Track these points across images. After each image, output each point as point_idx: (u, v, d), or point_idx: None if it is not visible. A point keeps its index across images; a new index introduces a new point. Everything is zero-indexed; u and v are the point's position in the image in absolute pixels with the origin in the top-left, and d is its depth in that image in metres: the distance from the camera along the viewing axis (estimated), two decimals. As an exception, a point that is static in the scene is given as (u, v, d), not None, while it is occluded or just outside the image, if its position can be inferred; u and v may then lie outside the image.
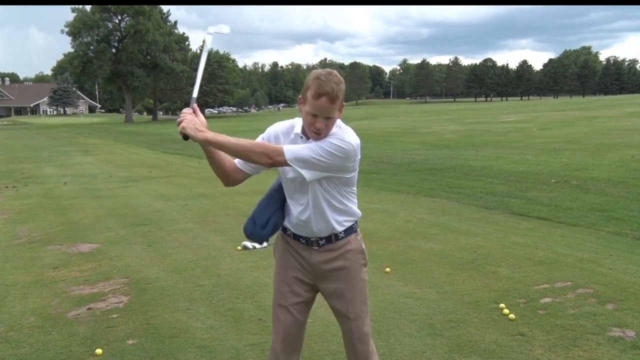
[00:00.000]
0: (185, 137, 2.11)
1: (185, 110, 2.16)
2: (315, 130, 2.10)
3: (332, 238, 2.26)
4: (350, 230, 2.29)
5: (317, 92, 2.03)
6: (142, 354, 3.27)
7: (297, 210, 2.25)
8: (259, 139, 2.28)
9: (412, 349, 3.20)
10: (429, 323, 3.56)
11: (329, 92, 2.03)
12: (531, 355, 3.07)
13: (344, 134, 2.14)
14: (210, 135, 2.09)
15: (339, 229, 2.26)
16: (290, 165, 2.10)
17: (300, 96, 2.16)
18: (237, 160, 2.26)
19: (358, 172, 2.29)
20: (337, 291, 2.31)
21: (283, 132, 2.24)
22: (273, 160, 2.10)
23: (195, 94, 2.25)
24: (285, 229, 2.37)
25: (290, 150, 2.10)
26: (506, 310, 3.65)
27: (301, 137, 2.19)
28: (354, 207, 2.30)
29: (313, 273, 2.32)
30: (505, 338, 3.30)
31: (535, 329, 3.41)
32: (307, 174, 2.11)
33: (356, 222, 2.33)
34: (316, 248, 2.28)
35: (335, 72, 2.11)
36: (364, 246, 2.36)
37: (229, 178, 2.31)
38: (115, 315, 3.87)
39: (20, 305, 4.14)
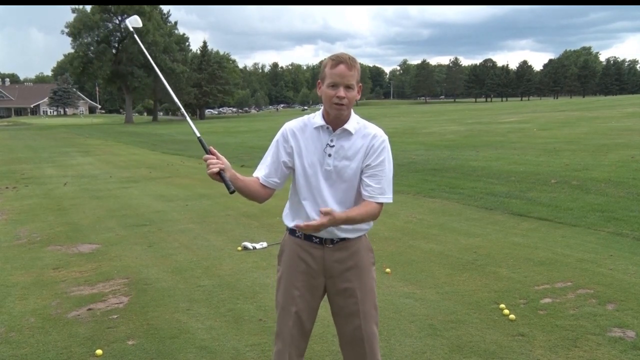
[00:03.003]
0: (230, 189, 2.15)
1: (206, 156, 2.14)
2: (337, 102, 2.10)
3: (347, 237, 2.27)
4: None
5: (335, 61, 2.10)
6: (142, 354, 3.27)
7: (331, 207, 2.20)
8: (274, 142, 2.28)
9: (412, 349, 3.20)
10: (429, 323, 3.56)
11: (345, 59, 2.09)
12: (531, 356, 3.07)
13: (376, 129, 2.22)
14: (341, 219, 2.12)
15: (357, 233, 2.28)
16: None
17: (318, 81, 2.19)
18: (261, 178, 2.28)
19: None
20: (349, 290, 2.29)
21: (298, 129, 2.24)
22: (377, 213, 2.20)
23: (197, 132, 2.24)
24: (293, 232, 2.32)
25: (384, 194, 2.18)
26: (506, 311, 3.65)
27: (327, 128, 2.19)
28: None
29: (324, 272, 2.28)
30: (506, 338, 3.30)
31: (536, 329, 3.41)
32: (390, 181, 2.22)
33: None
34: (330, 246, 2.26)
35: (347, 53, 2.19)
36: (371, 244, 2.39)
37: (261, 196, 2.32)
38: (116, 316, 3.87)
39: (21, 305, 4.14)
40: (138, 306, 4.06)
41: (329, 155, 2.18)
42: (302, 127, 2.23)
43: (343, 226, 2.19)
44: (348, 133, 2.17)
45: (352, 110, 2.19)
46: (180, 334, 3.53)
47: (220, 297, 4.19)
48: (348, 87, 2.09)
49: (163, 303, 4.11)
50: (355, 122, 2.19)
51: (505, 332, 3.38)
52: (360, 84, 2.18)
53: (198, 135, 2.22)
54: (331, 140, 2.18)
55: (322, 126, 2.18)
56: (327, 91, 2.10)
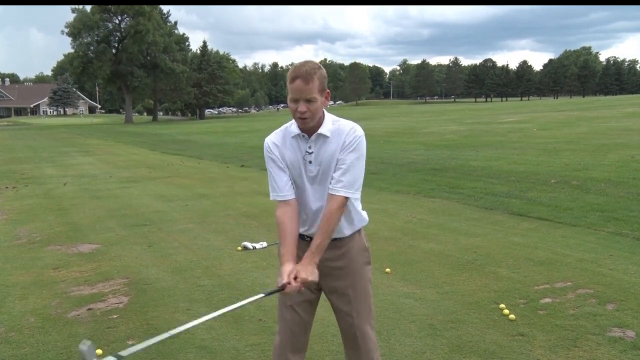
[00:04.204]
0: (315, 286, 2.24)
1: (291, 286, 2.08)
2: (299, 116, 2.11)
3: (338, 237, 2.27)
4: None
5: (291, 76, 2.08)
6: (142, 354, 3.27)
7: (316, 206, 2.24)
8: (267, 161, 2.26)
9: (412, 349, 3.20)
10: (429, 323, 3.56)
11: (300, 74, 2.06)
12: (531, 356, 3.07)
13: (350, 125, 2.21)
14: (315, 258, 2.14)
15: (347, 233, 2.29)
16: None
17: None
18: (289, 197, 2.23)
19: None
20: (340, 289, 2.30)
21: (278, 141, 2.25)
22: (345, 208, 2.20)
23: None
24: None
25: (346, 187, 2.16)
26: (506, 311, 3.65)
27: (303, 136, 2.20)
28: (363, 213, 2.38)
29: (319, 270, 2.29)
30: (506, 338, 3.30)
31: (536, 329, 3.41)
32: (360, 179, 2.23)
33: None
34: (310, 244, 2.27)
35: (313, 61, 2.15)
36: (367, 244, 2.38)
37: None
38: (115, 316, 3.87)
39: (21, 305, 4.14)
40: (138, 306, 4.06)
41: (310, 162, 2.20)
42: (281, 138, 2.25)
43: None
44: (324, 137, 2.18)
45: (324, 112, 2.19)
46: (180, 334, 3.52)
47: (220, 297, 4.19)
48: (308, 101, 2.09)
49: (163, 303, 4.11)
50: (329, 123, 2.19)
51: (505, 332, 3.38)
52: (328, 91, 2.16)
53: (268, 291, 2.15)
54: (309, 147, 2.19)
55: (298, 134, 2.20)
56: (290, 105, 2.13)
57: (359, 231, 2.34)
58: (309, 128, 2.16)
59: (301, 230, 2.28)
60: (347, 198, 2.17)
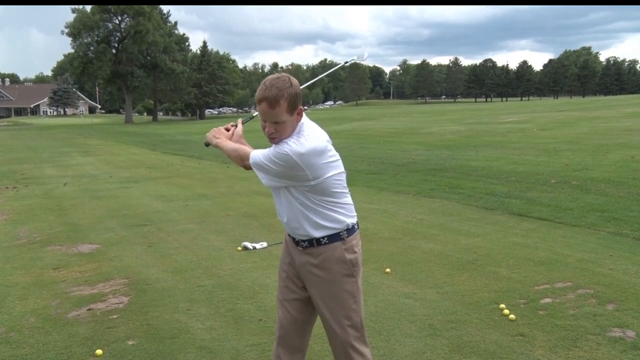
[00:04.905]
0: (207, 143, 2.51)
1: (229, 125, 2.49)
2: (268, 135, 2.16)
3: (314, 242, 2.23)
4: (335, 238, 2.22)
5: (258, 97, 2.10)
6: (142, 354, 3.27)
7: (279, 209, 2.32)
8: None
9: (412, 350, 3.20)
10: (429, 323, 3.56)
11: (267, 97, 2.05)
12: (531, 356, 3.07)
13: (292, 142, 2.10)
14: (219, 141, 2.41)
15: (316, 235, 2.21)
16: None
17: None
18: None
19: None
20: (317, 295, 2.27)
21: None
22: (244, 163, 2.28)
23: (254, 114, 2.46)
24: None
25: (253, 154, 2.22)
26: (506, 311, 3.65)
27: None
28: (337, 216, 2.22)
29: (299, 272, 2.33)
30: (506, 338, 3.30)
31: (536, 329, 3.41)
32: (263, 179, 2.22)
33: (345, 230, 2.23)
34: (300, 249, 2.29)
35: (285, 76, 2.10)
36: (350, 256, 2.25)
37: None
38: (116, 316, 3.87)
39: (21, 306, 4.14)
40: (138, 306, 4.06)
41: None
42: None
43: (293, 229, 2.29)
44: None
45: (299, 126, 2.17)
46: (180, 334, 3.53)
47: (220, 297, 4.19)
48: (276, 123, 2.10)
49: (163, 303, 4.11)
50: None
51: (505, 332, 3.38)
52: (300, 107, 2.14)
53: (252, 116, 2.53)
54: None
55: None
56: (260, 122, 2.17)
57: (341, 240, 2.22)
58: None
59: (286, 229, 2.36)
60: (247, 159, 2.26)
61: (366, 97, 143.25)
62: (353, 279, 2.26)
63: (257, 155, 2.20)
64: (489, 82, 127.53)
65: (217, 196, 9.01)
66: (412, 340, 3.33)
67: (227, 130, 2.46)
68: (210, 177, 11.89)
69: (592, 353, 3.06)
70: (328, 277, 2.24)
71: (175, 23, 69.92)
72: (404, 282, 4.40)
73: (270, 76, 2.11)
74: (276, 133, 2.11)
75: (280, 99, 2.04)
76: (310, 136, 2.13)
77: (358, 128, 27.30)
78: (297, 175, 2.12)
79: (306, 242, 2.25)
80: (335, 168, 2.19)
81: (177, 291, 4.38)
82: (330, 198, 2.19)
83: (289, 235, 2.36)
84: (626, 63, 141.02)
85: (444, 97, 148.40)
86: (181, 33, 71.02)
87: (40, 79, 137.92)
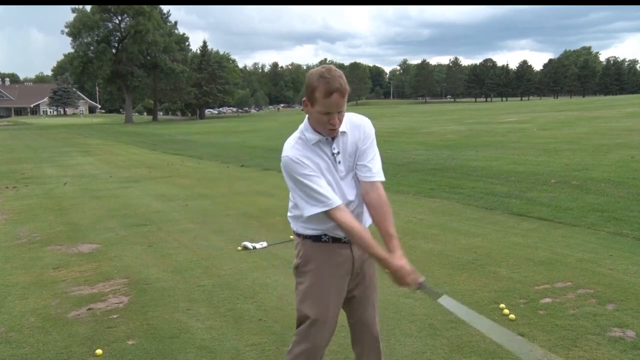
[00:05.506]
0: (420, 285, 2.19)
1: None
2: (331, 127, 2.12)
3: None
4: None
5: (328, 90, 2.04)
6: (142, 354, 3.27)
7: (351, 196, 2.26)
8: (307, 170, 2.15)
9: (412, 349, 3.20)
10: (429, 323, 3.56)
11: (339, 88, 2.05)
12: (531, 356, 3.07)
13: (355, 116, 2.30)
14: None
15: (368, 222, 2.34)
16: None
17: (304, 99, 2.14)
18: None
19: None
20: (368, 287, 2.41)
21: (301, 154, 2.16)
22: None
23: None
24: (317, 238, 2.27)
25: (379, 173, 2.24)
26: (506, 311, 3.65)
27: (327, 139, 2.19)
28: None
29: (352, 269, 2.32)
30: (506, 338, 3.30)
31: (536, 329, 3.41)
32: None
33: None
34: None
35: (333, 66, 2.12)
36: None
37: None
38: (116, 316, 3.87)
39: (21, 305, 4.14)
40: (138, 306, 4.06)
41: (339, 162, 2.21)
42: (301, 149, 2.18)
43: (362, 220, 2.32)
44: (343, 133, 2.21)
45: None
46: (180, 334, 3.53)
47: (220, 297, 4.19)
48: (340, 112, 2.11)
49: (163, 303, 4.11)
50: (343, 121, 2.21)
51: (505, 332, 3.38)
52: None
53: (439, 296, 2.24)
54: (334, 148, 2.20)
55: (319, 140, 2.18)
56: (320, 117, 2.10)
57: None
58: None
59: (340, 233, 2.24)
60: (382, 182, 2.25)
61: (366, 96, 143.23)
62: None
63: (380, 172, 2.26)
64: (489, 82, 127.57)
65: (217, 196, 9.01)
66: (412, 340, 3.33)
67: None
68: (210, 177, 11.89)
69: (592, 353, 3.06)
70: (374, 267, 2.40)
71: (175, 23, 70.00)
72: (404, 282, 4.39)
73: (321, 69, 2.09)
74: (339, 122, 2.13)
75: (346, 84, 2.09)
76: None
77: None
78: None
79: None
80: None
81: (177, 291, 4.38)
82: None
83: (338, 240, 2.26)
84: (626, 63, 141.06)
85: (449, 96, 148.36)
86: (181, 33, 71.13)
87: (40, 79, 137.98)
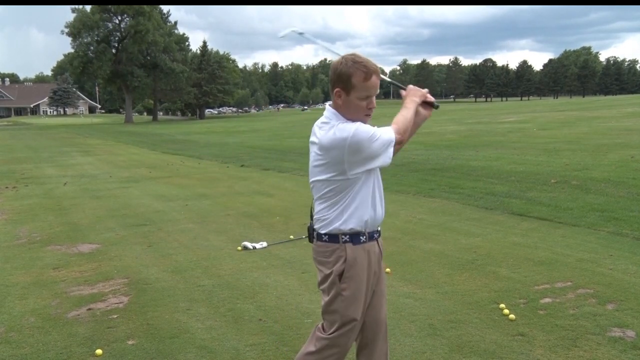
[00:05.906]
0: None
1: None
2: (367, 110, 2.16)
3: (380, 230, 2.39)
4: None
5: (368, 72, 2.09)
6: (142, 354, 3.27)
7: (383, 201, 2.30)
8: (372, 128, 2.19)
9: (412, 349, 3.20)
10: (429, 323, 3.56)
11: (376, 70, 2.12)
12: (531, 356, 3.07)
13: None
14: (413, 105, 2.46)
15: None
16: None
17: (337, 89, 2.12)
18: None
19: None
20: (383, 283, 2.42)
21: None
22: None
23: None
24: (357, 238, 2.22)
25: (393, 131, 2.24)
26: (506, 311, 3.65)
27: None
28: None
29: (377, 266, 2.34)
30: (506, 338, 3.30)
31: (536, 329, 3.41)
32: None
33: None
34: (377, 238, 2.34)
35: (357, 52, 2.19)
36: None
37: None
38: (115, 316, 3.87)
39: (20, 305, 4.14)
40: (138, 306, 4.06)
41: None
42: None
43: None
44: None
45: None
46: (180, 334, 3.53)
47: (220, 297, 4.19)
48: (373, 96, 2.18)
49: (163, 303, 4.11)
50: None
51: (505, 332, 3.38)
52: None
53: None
54: None
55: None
56: (359, 103, 2.12)
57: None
58: None
59: (373, 228, 2.27)
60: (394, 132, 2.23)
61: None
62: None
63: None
64: (489, 82, 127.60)
65: (217, 196, 9.01)
66: (412, 340, 3.33)
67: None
68: (210, 177, 11.89)
69: (592, 353, 3.06)
70: (381, 264, 2.40)
71: (175, 23, 70.01)
72: (403, 282, 4.40)
73: (351, 55, 2.13)
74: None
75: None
76: None
77: (358, 128, 27.22)
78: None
79: (379, 231, 2.34)
80: None
81: (177, 291, 4.38)
82: None
83: (372, 237, 2.27)
84: (626, 63, 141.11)
85: (452, 96, 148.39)
86: (181, 33, 71.14)
87: (40, 79, 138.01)
